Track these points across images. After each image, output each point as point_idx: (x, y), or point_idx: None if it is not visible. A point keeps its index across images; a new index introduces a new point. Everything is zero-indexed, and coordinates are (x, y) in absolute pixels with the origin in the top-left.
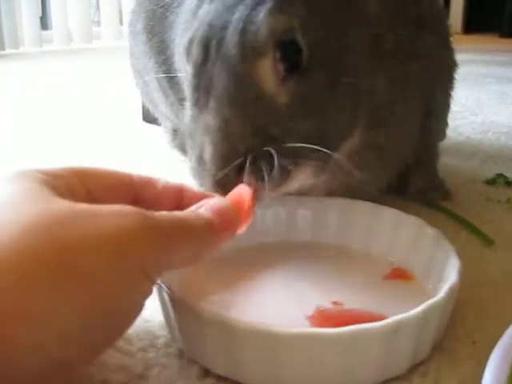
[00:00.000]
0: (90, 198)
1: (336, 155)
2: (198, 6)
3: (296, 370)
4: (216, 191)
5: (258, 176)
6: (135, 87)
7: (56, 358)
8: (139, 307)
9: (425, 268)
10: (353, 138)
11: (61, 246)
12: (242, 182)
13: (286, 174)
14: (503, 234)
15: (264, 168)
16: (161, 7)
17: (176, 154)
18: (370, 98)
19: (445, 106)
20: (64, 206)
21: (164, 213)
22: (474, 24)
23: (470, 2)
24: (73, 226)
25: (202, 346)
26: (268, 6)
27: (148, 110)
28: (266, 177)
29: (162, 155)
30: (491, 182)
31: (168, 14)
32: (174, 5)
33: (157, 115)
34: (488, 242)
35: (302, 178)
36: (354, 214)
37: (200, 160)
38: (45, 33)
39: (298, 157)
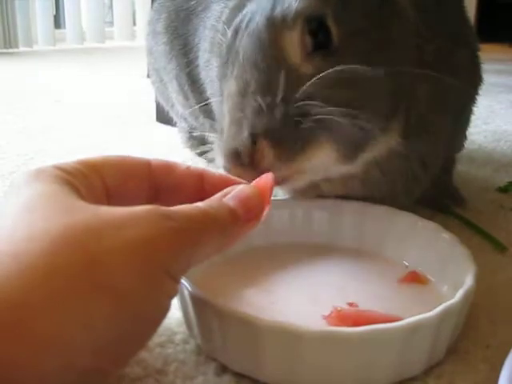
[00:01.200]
0: (109, 192)
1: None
2: (222, 12)
3: (314, 368)
4: (231, 161)
5: (274, 143)
6: (151, 86)
7: (89, 371)
8: (167, 308)
9: (440, 272)
10: (385, 142)
11: (89, 260)
12: (257, 150)
13: (304, 146)
14: None
15: (281, 136)
16: (185, 9)
17: (190, 154)
18: (410, 104)
19: (468, 120)
20: (89, 215)
21: (185, 208)
22: (486, 34)
23: (482, 12)
24: (99, 239)
25: (220, 343)
26: None
27: (162, 110)
28: (284, 144)
29: (176, 156)
30: (504, 189)
31: (192, 17)
32: (199, 8)
33: (172, 115)
34: (501, 248)
35: (321, 158)
36: (369, 216)
37: (220, 133)
38: (58, 32)
39: (321, 131)
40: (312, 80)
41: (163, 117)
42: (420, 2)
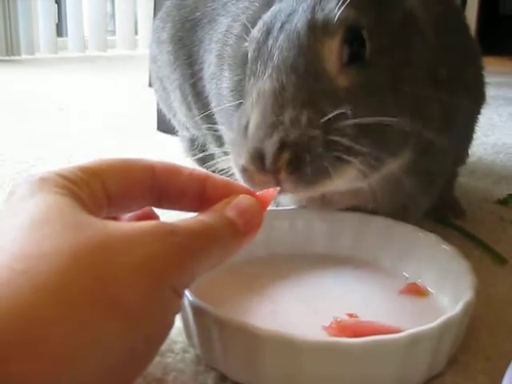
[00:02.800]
0: (110, 198)
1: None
2: (231, 26)
3: (313, 379)
4: (253, 162)
5: (302, 162)
6: (152, 95)
7: None
8: (171, 324)
9: (440, 284)
10: (397, 162)
11: (98, 278)
12: (283, 163)
13: (324, 172)
14: None
15: (304, 161)
16: (190, 20)
17: (191, 163)
18: (422, 124)
19: (471, 137)
20: (98, 232)
21: (190, 222)
22: (486, 47)
23: (483, 24)
24: (108, 257)
25: (220, 352)
26: None
27: (163, 119)
28: (303, 176)
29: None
30: (503, 202)
31: (198, 28)
32: (205, 20)
33: (174, 123)
34: (501, 260)
35: (344, 179)
36: (370, 228)
37: (243, 130)
38: (60, 40)
39: (344, 152)
40: (343, 96)
41: (164, 126)
42: (436, 20)
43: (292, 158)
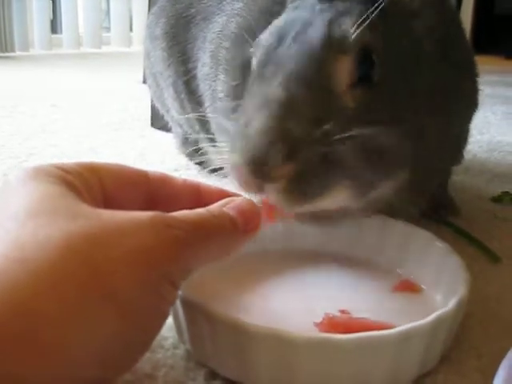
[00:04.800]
0: (107, 196)
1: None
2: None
3: (305, 375)
4: (250, 166)
5: (293, 185)
6: (146, 92)
7: (95, 380)
8: (167, 315)
9: (433, 281)
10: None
11: (94, 269)
12: (281, 175)
13: (318, 191)
14: (510, 252)
15: (304, 177)
16: (184, 17)
17: (184, 160)
18: (423, 146)
19: (466, 139)
20: (93, 221)
21: (189, 215)
22: (482, 46)
23: (478, 23)
24: (104, 248)
25: (210, 348)
26: (355, 17)
27: (156, 116)
28: (298, 191)
29: (170, 161)
30: (497, 199)
31: (192, 25)
32: (199, 17)
33: (168, 119)
34: (495, 258)
35: (336, 199)
36: (363, 225)
37: (243, 130)
38: (55, 36)
39: (342, 173)
40: (348, 115)
41: (158, 123)
42: (439, 43)
43: (295, 171)
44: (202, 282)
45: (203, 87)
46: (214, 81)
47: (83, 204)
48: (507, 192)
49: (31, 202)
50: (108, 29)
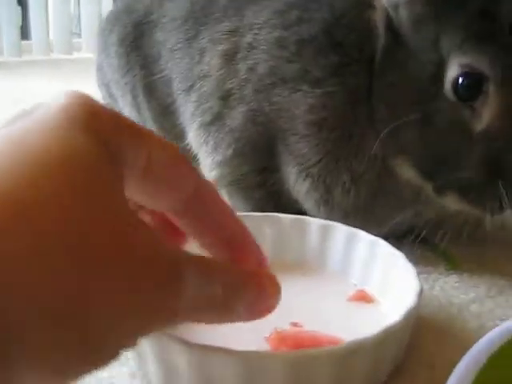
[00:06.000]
0: (147, 173)
1: None
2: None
3: None
4: None
5: None
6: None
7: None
8: None
9: (387, 291)
10: None
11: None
12: None
13: None
14: (469, 258)
15: None
16: (145, 23)
17: None
18: None
19: None
20: (121, 217)
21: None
22: None
23: None
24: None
25: (153, 368)
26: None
27: None
28: None
29: None
30: None
31: (156, 30)
32: (164, 20)
33: None
34: (454, 265)
35: None
36: (312, 231)
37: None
38: (24, 43)
39: None
40: None
41: None
42: None
43: None
44: None
45: (184, 85)
46: (277, 95)
47: (128, 206)
48: None
49: (50, 160)
50: (79, 35)
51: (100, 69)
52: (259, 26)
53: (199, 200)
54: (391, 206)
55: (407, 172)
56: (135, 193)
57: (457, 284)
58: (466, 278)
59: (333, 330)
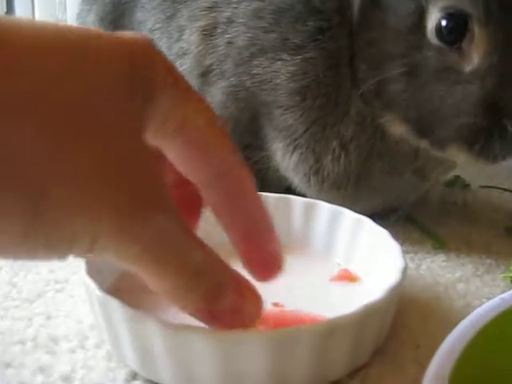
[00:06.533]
0: (182, 135)
1: None
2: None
3: (216, 374)
4: None
5: None
6: None
7: None
8: None
9: (371, 269)
10: None
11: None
12: None
13: None
14: (457, 237)
15: None
16: (124, 3)
17: None
18: None
19: None
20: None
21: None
22: None
23: None
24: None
25: (128, 348)
26: None
27: None
28: None
29: None
30: (450, 184)
31: (136, 10)
32: (144, 0)
33: None
34: (441, 244)
35: None
36: (295, 210)
37: None
38: None
39: None
40: None
41: None
42: None
43: None
44: (121, 280)
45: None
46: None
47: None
48: (459, 177)
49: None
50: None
51: None
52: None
53: (231, 180)
54: (387, 170)
55: (398, 128)
56: (167, 151)
57: (444, 263)
58: (453, 257)
59: (316, 309)
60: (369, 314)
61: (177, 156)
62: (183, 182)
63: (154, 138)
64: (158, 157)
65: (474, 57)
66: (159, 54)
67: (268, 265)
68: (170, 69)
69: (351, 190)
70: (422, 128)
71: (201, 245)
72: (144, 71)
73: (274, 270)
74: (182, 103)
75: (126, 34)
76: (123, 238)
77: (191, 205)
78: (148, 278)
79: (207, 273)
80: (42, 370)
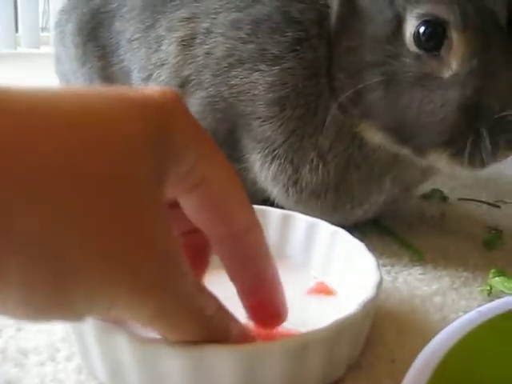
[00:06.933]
0: (199, 193)
1: None
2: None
3: None
4: None
5: None
6: None
7: None
8: None
9: (347, 282)
10: None
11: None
12: None
13: None
14: (434, 250)
15: None
16: (103, 13)
17: None
18: None
19: None
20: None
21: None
22: None
23: None
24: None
25: (97, 361)
26: None
27: None
28: None
29: None
30: (427, 196)
31: (115, 20)
32: (124, 10)
33: None
34: (418, 256)
35: None
36: (271, 221)
37: None
38: None
39: None
40: None
41: None
42: None
43: None
44: None
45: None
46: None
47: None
48: (437, 189)
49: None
50: (47, 29)
51: (58, 59)
52: (216, 10)
53: (245, 241)
54: (365, 179)
55: (377, 137)
56: (183, 203)
57: (420, 276)
58: (430, 269)
59: (290, 323)
60: (342, 328)
61: (192, 210)
62: (194, 229)
63: (171, 191)
64: (172, 205)
65: (453, 63)
66: (186, 110)
67: (271, 317)
68: (195, 126)
69: (330, 200)
70: (402, 135)
71: (210, 296)
72: (169, 128)
73: (277, 322)
74: (203, 161)
75: (155, 89)
76: (139, 301)
77: (200, 253)
78: (165, 334)
79: (217, 319)
80: (9, 383)
